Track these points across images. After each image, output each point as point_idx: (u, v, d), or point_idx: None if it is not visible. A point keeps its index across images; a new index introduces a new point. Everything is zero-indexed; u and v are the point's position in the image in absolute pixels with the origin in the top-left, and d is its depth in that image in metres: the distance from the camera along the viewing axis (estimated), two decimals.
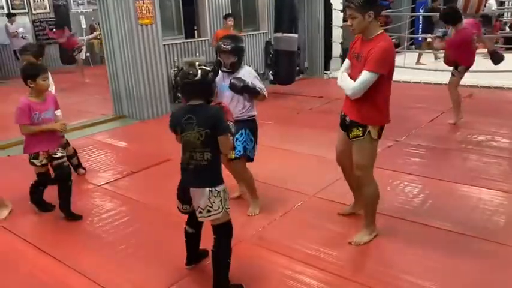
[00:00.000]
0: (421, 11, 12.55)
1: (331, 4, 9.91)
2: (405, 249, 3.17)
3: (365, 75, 2.72)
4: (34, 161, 3.68)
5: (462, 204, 3.74)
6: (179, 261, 3.01)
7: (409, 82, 8.39)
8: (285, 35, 7.85)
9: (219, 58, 3.42)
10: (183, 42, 8.33)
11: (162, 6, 7.92)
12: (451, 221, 3.43)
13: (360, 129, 2.90)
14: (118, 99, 7.36)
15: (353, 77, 2.85)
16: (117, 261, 3.14)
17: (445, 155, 4.88)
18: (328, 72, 10.20)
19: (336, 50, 10.30)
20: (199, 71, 2.44)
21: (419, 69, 9.13)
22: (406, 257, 3.07)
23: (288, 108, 7.28)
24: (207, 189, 2.49)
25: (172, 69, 8.05)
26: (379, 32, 2.80)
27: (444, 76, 7.42)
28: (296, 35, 8.03)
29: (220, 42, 3.41)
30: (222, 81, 3.44)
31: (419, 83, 8.51)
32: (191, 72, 2.44)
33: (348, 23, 2.81)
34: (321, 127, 5.95)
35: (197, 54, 8.52)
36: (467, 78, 7.23)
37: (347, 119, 3.00)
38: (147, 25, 6.84)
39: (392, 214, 3.65)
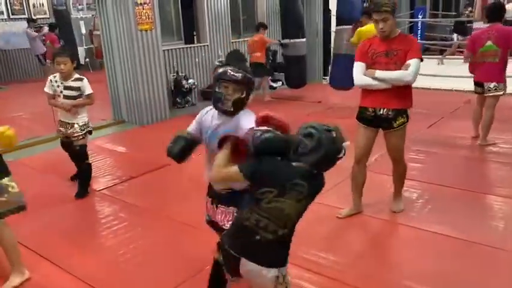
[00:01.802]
0: (419, 17, 12.62)
1: (330, 10, 9.96)
2: (405, 253, 3.17)
3: (417, 63, 3.16)
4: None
5: (462, 209, 3.74)
6: (178, 266, 3.01)
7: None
8: (293, 40, 7.99)
9: (217, 89, 2.26)
10: (183, 48, 8.35)
11: (162, 11, 7.95)
12: (451, 226, 3.43)
13: (404, 115, 3.32)
14: (117, 105, 7.38)
15: (382, 69, 3.23)
16: (116, 266, 3.14)
17: (444, 160, 4.88)
18: (326, 77, 10.22)
19: None
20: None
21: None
22: (405, 261, 3.07)
23: (288, 113, 7.27)
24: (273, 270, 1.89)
25: (172, 74, 8.06)
26: (399, 31, 3.29)
27: (444, 81, 7.46)
28: (304, 40, 8.17)
29: (228, 69, 2.25)
30: (211, 122, 2.38)
31: (418, 88, 8.53)
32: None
33: (380, 25, 3.18)
34: None
35: (196, 60, 8.54)
36: (466, 84, 7.27)
37: (383, 111, 3.29)
38: (146, 31, 6.87)
39: (392, 219, 3.65)
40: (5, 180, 2.75)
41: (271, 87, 9.47)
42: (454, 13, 14.86)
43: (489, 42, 4.86)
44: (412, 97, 3.35)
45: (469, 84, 7.09)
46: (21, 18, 12.17)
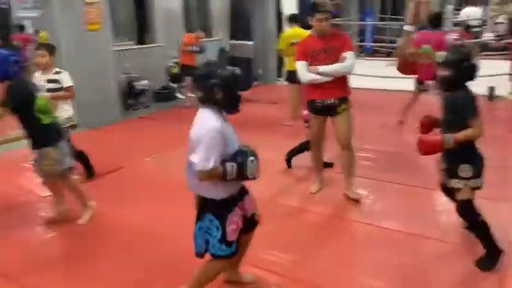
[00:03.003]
0: (368, 20, 13.03)
1: (282, 13, 10.08)
2: (359, 249, 3.27)
3: (352, 55, 3.64)
4: None
5: (411, 204, 3.90)
6: (135, 271, 2.94)
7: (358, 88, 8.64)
8: (240, 42, 7.96)
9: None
10: (135, 48, 8.18)
11: (114, 11, 7.76)
12: (400, 221, 3.57)
13: (346, 102, 3.76)
14: None
15: (322, 64, 3.61)
16: (64, 271, 3.02)
17: (392, 158, 5.05)
18: (281, 79, 10.34)
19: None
20: None
21: (368, 75, 9.44)
22: (359, 257, 3.16)
23: (242, 114, 7.28)
24: None
25: (123, 76, 7.88)
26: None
27: (395, 82, 7.73)
28: (251, 43, 8.16)
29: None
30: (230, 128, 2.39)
31: (368, 89, 8.80)
32: None
33: (322, 23, 3.57)
34: (274, 132, 6.03)
35: (149, 61, 8.39)
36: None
37: (331, 101, 3.69)
38: (95, 30, 6.66)
39: (345, 216, 3.75)
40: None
41: None
42: (401, 17, 15.47)
43: (427, 46, 5.29)
44: (349, 85, 3.81)
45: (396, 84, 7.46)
46: None
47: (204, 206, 2.37)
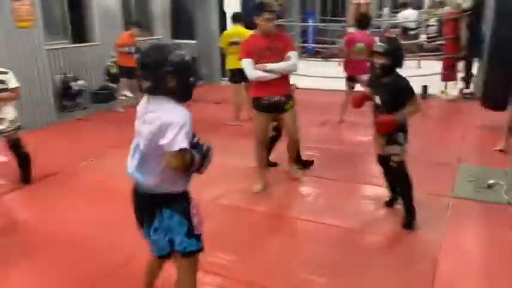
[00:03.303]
0: (309, 21, 13.29)
1: (225, 12, 10.05)
2: (302, 246, 3.30)
3: (295, 54, 3.84)
4: None
5: (351, 200, 4.01)
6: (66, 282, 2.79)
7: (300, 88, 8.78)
8: (183, 41, 7.83)
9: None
10: (71, 47, 7.80)
11: (46, 8, 7.36)
12: (341, 217, 3.65)
13: (292, 99, 3.97)
14: None
15: (267, 62, 3.76)
16: None
17: (334, 156, 5.17)
18: (225, 78, 10.29)
19: None
20: None
21: (310, 76, 9.64)
22: (303, 254, 3.19)
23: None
24: None
25: (58, 76, 7.49)
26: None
27: (337, 82, 7.92)
28: (194, 41, 8.05)
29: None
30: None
31: (312, 89, 8.98)
32: None
33: (269, 24, 3.74)
34: (216, 132, 5.98)
35: (86, 60, 8.04)
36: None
37: (277, 98, 3.86)
38: (26, 28, 6.28)
39: (286, 214, 3.78)
40: None
41: None
42: (341, 18, 15.94)
43: (360, 44, 5.73)
44: (291, 84, 4.05)
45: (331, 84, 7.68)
46: None
47: (157, 204, 2.13)
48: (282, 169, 4.57)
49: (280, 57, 3.77)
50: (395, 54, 3.18)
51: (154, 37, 9.71)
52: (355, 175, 4.54)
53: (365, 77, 5.61)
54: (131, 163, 2.16)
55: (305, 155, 4.68)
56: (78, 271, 2.98)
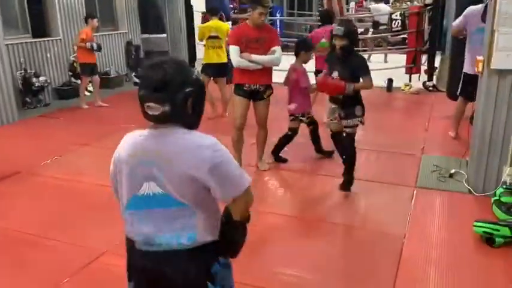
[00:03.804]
0: (277, 15, 13.31)
1: (192, 6, 9.93)
2: (267, 239, 3.31)
3: (280, 49, 4.10)
4: (302, 118, 4.62)
5: (312, 192, 4.10)
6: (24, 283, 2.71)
7: None
8: (153, 35, 7.68)
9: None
10: (31, 42, 7.52)
11: (3, 0, 7.07)
12: (304, 208, 3.74)
13: (270, 89, 4.23)
14: None
15: (253, 53, 4.02)
16: None
17: (299, 148, 5.19)
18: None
19: (200, 50, 10.34)
20: None
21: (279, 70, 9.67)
22: (268, 246, 3.20)
23: None
24: None
25: (19, 72, 7.22)
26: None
27: None
28: (164, 35, 7.93)
29: None
30: None
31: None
32: None
33: (262, 17, 4.01)
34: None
35: (48, 55, 7.79)
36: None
37: (257, 86, 4.13)
38: None
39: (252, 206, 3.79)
40: None
41: (136, 84, 9.10)
42: (308, 12, 16.04)
43: (323, 40, 5.70)
44: (272, 75, 4.25)
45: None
46: None
47: (203, 262, 1.57)
48: (252, 161, 4.57)
49: (266, 49, 4.02)
50: (352, 36, 3.62)
51: (118, 31, 9.51)
52: (319, 167, 4.61)
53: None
54: (153, 227, 1.54)
55: (267, 148, 4.71)
56: (40, 271, 2.89)
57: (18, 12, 7.60)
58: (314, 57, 6.10)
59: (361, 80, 3.65)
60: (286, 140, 4.72)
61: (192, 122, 1.59)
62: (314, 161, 4.78)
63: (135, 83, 9.07)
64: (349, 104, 3.72)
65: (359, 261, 2.99)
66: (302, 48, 4.59)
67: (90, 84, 7.73)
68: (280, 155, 4.74)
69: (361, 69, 3.62)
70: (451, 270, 2.85)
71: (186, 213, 1.51)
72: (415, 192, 3.93)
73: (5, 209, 3.82)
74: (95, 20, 7.11)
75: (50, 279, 2.80)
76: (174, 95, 1.49)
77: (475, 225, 3.12)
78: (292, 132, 4.68)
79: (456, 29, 5.01)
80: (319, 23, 6.54)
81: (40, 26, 7.89)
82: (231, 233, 1.60)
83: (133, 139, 1.60)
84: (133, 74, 9.41)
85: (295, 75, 4.54)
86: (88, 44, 6.91)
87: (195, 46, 10.18)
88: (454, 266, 2.88)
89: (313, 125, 4.70)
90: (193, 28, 10.07)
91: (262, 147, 4.54)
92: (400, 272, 2.81)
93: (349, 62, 3.62)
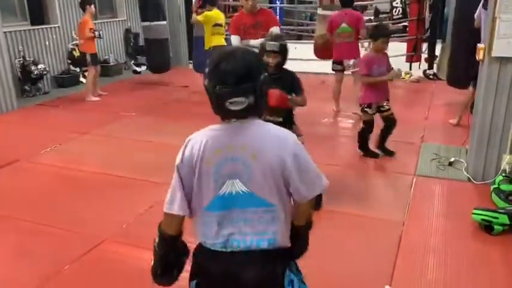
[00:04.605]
0: (277, 2, 13.20)
1: None
2: None
3: (277, 29, 4.21)
4: (367, 109, 4.29)
5: None
6: (30, 270, 2.73)
7: None
8: (154, 23, 7.64)
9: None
10: (29, 30, 7.47)
11: None
12: None
13: None
14: None
15: (253, 38, 4.16)
16: None
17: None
18: (192, 61, 10.13)
19: None
20: None
21: None
22: None
23: (153, 99, 7.06)
24: None
25: (17, 59, 7.18)
26: (259, 6, 4.35)
27: (300, 64, 7.92)
28: (165, 22, 7.90)
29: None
30: None
31: None
32: None
33: (250, 2, 4.16)
34: (186, 117, 5.90)
35: (46, 43, 7.74)
36: (319, 67, 7.87)
37: None
38: None
39: None
40: None
41: (135, 72, 9.07)
42: (309, 0, 15.92)
43: (344, 24, 5.48)
44: None
45: (322, 67, 7.73)
46: None
47: (279, 268, 1.51)
48: None
49: (264, 32, 4.07)
50: (286, 52, 3.21)
51: (117, 19, 9.44)
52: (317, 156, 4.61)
53: (352, 61, 5.58)
54: (235, 228, 1.46)
55: None
56: (41, 258, 2.91)
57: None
58: (333, 46, 5.72)
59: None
60: (363, 134, 4.46)
61: (263, 111, 1.51)
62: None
63: (134, 71, 9.04)
64: (284, 118, 3.29)
65: (358, 248, 3.00)
66: (371, 36, 4.35)
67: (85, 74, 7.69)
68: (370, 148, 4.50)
69: (297, 86, 3.29)
70: (449, 257, 2.86)
71: (269, 216, 1.45)
72: (414, 180, 3.93)
73: (4, 197, 3.82)
74: (93, 7, 7.02)
75: (51, 266, 2.81)
76: (256, 84, 1.41)
77: (474, 213, 3.13)
78: (366, 126, 4.40)
79: (478, 20, 4.83)
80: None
81: (38, 14, 7.83)
82: (304, 239, 1.60)
83: (211, 134, 1.48)
84: (133, 62, 9.36)
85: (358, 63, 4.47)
86: (97, 33, 6.85)
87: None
88: (452, 254, 2.90)
89: (388, 122, 4.35)
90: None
91: None
92: (399, 259, 2.83)
93: (283, 79, 3.19)
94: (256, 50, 3.98)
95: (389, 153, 4.45)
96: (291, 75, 3.33)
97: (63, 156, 4.72)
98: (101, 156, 4.73)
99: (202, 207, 1.48)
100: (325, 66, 8.01)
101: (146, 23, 7.76)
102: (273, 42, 3.18)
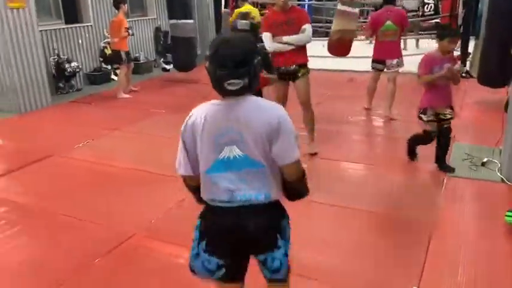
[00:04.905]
0: (306, 0, 13.11)
1: None
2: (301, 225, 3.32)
3: (309, 27, 4.20)
4: (422, 115, 3.89)
5: (341, 179, 4.06)
6: (61, 263, 2.82)
7: None
8: (181, 21, 7.73)
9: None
10: (63, 28, 7.70)
11: None
12: (334, 196, 3.68)
13: (306, 67, 4.35)
14: None
15: (284, 35, 4.15)
16: None
17: (325, 135, 5.15)
18: None
19: None
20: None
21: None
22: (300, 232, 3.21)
23: (182, 96, 7.16)
24: None
25: (52, 57, 7.41)
26: (291, 4, 4.27)
27: (327, 62, 7.85)
28: (192, 21, 7.97)
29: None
30: None
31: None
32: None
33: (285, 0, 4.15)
34: None
35: (79, 41, 7.96)
36: (346, 64, 7.79)
37: (292, 67, 4.25)
38: (18, 9, 6.19)
39: None
40: None
41: (164, 70, 9.21)
42: None
43: (388, 22, 5.36)
44: (307, 54, 4.33)
45: (350, 65, 7.65)
46: None
47: (273, 219, 1.79)
48: None
49: (296, 30, 4.15)
50: (256, 29, 3.70)
51: (147, 17, 9.60)
52: (343, 154, 4.59)
53: (396, 61, 5.44)
54: (235, 186, 1.71)
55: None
56: (73, 250, 3.00)
57: None
58: (374, 43, 5.67)
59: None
60: (414, 141, 4.18)
61: (255, 89, 1.74)
62: (341, 148, 4.75)
63: (164, 69, 9.18)
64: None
65: (387, 249, 2.96)
66: (438, 36, 3.87)
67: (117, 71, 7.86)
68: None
69: (268, 64, 3.77)
70: (480, 260, 2.79)
71: (262, 174, 1.71)
72: (445, 180, 3.85)
73: (39, 191, 3.97)
74: (126, 5, 7.16)
75: (83, 258, 2.90)
76: (251, 68, 1.65)
77: (507, 215, 3.05)
78: (422, 137, 4.02)
79: None
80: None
81: (72, 13, 8.06)
82: (298, 189, 1.84)
83: (212, 109, 1.72)
84: (162, 59, 9.51)
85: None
86: (130, 32, 7.01)
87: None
88: (484, 257, 2.82)
89: (442, 136, 3.94)
90: (221, 13, 10.07)
91: (310, 129, 4.54)
92: (428, 260, 2.78)
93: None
94: (288, 47, 4.13)
95: (449, 170, 3.99)
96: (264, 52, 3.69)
97: (94, 152, 4.85)
98: (132, 152, 4.83)
99: (205, 170, 1.73)
100: (353, 63, 7.96)
101: (174, 21, 7.85)
102: (244, 21, 3.52)
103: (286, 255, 1.81)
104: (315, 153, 4.49)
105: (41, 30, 6.87)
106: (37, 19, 6.63)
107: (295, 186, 1.81)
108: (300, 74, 4.30)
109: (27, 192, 3.97)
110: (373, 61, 5.69)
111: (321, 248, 2.98)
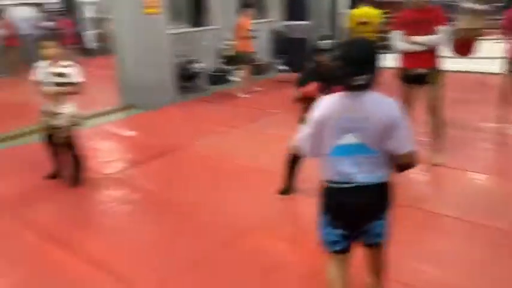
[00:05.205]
0: None
1: None
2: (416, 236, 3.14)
3: (443, 28, 3.95)
4: None
5: (467, 191, 3.80)
6: (183, 249, 3.03)
7: None
8: (296, 22, 7.83)
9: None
10: (190, 31, 8.26)
11: None
12: (458, 208, 3.44)
13: (436, 71, 4.07)
14: (125, 90, 7.32)
15: (416, 35, 3.96)
16: (128, 248, 3.16)
17: (450, 142, 4.75)
18: None
19: None
20: None
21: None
22: (416, 244, 3.04)
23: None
24: None
25: (179, 58, 7.99)
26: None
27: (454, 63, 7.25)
28: (306, 22, 8.02)
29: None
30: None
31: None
32: None
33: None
34: None
35: (204, 43, 8.45)
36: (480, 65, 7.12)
37: (421, 70, 4.02)
38: (152, 14, 6.80)
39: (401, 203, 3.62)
40: None
41: (281, 71, 9.35)
42: None
43: None
44: (439, 57, 4.09)
45: (482, 66, 6.98)
46: (27, 3, 12.04)
47: (383, 196, 2.10)
48: None
49: (428, 30, 3.93)
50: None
51: (267, 19, 9.83)
52: (476, 164, 4.21)
53: None
54: (353, 169, 2.01)
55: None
56: (193, 240, 3.20)
57: (183, 4, 8.38)
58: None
59: None
60: None
61: (375, 85, 2.01)
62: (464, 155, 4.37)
63: (280, 70, 9.33)
64: None
65: (507, 269, 2.69)
66: None
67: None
68: None
69: None
70: None
71: (376, 159, 2.00)
72: None
73: (166, 182, 4.31)
74: (251, 10, 7.49)
75: (200, 251, 3.07)
76: (374, 66, 1.98)
77: None
78: None
79: None
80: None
81: (199, 17, 8.61)
82: (408, 167, 2.10)
83: (338, 100, 2.03)
84: (279, 60, 9.66)
85: None
86: (251, 33, 7.32)
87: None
88: None
89: None
90: (335, 14, 9.90)
91: (435, 137, 4.25)
92: None
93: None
94: (418, 47, 3.92)
95: None
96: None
97: (214, 148, 5.11)
98: (249, 149, 5.00)
99: (328, 154, 2.03)
100: (486, 65, 7.24)
101: (289, 22, 7.95)
102: (325, 41, 3.38)
103: (386, 223, 2.13)
104: (441, 164, 4.17)
105: (170, 34, 7.43)
106: (165, 23, 7.15)
107: (406, 167, 2.08)
108: (428, 79, 4.05)
109: (157, 182, 4.34)
110: (509, 63, 5.10)
111: (442, 262, 2.79)
